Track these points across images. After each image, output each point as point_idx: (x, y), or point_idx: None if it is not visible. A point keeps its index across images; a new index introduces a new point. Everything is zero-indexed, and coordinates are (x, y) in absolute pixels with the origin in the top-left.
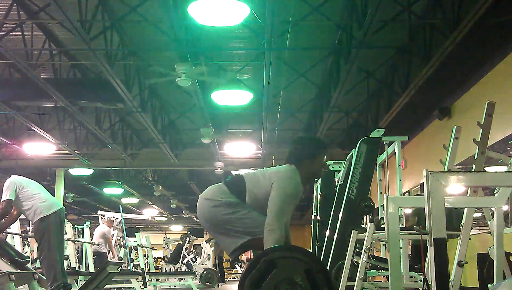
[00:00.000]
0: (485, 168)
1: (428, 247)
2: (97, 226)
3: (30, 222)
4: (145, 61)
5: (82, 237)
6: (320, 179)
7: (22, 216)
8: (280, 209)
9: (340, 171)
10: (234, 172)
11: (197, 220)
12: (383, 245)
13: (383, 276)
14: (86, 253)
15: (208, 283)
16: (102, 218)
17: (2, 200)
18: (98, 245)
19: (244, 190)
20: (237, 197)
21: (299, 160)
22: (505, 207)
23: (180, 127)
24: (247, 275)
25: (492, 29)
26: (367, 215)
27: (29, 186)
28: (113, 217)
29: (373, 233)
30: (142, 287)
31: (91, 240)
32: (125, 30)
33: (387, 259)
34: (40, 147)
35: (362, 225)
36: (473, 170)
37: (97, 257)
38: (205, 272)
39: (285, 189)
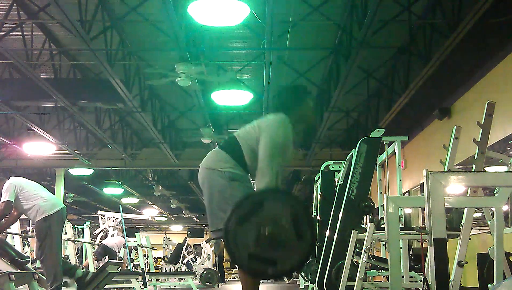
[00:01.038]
0: (485, 168)
1: (428, 247)
2: (98, 226)
3: (31, 221)
4: (145, 61)
5: (82, 237)
6: (320, 178)
7: (22, 216)
8: (270, 154)
9: (340, 171)
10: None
11: (197, 220)
12: (383, 245)
13: (383, 276)
14: (86, 253)
15: (208, 283)
16: (102, 218)
17: (1, 201)
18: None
19: (240, 150)
20: (237, 162)
21: (286, 108)
22: (505, 207)
23: (180, 127)
24: (234, 212)
25: (492, 29)
26: (367, 215)
27: (28, 186)
28: (113, 217)
29: (373, 233)
30: (142, 287)
31: (91, 239)
32: (125, 30)
33: (387, 259)
34: (40, 147)
35: (362, 225)
36: (473, 170)
37: (108, 250)
38: (205, 272)
39: (273, 134)
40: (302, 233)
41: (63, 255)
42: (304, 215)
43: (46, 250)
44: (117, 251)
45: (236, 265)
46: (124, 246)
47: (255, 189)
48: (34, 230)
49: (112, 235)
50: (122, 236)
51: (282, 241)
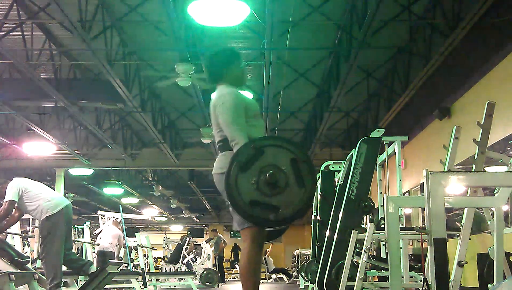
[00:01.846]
0: (485, 168)
1: (428, 247)
2: (98, 226)
3: (30, 221)
4: (145, 61)
5: (82, 237)
6: (320, 178)
7: (24, 216)
8: (228, 122)
9: (340, 171)
10: None
11: (197, 220)
12: (383, 245)
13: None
14: (86, 253)
15: (208, 283)
16: (102, 218)
17: (4, 201)
18: (110, 243)
19: (223, 137)
20: (227, 152)
21: (218, 76)
22: (505, 207)
23: (180, 127)
24: (235, 159)
25: (492, 29)
26: (367, 215)
27: (32, 186)
28: (113, 217)
29: (373, 233)
30: (142, 287)
31: (91, 239)
32: (125, 30)
33: (387, 259)
34: (40, 147)
35: (362, 225)
36: (473, 170)
37: (103, 254)
38: (205, 272)
39: (220, 107)
40: (303, 179)
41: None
42: (305, 161)
43: (47, 248)
44: (113, 249)
45: (238, 213)
46: (120, 243)
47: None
48: (37, 229)
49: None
50: (120, 229)
51: (283, 186)
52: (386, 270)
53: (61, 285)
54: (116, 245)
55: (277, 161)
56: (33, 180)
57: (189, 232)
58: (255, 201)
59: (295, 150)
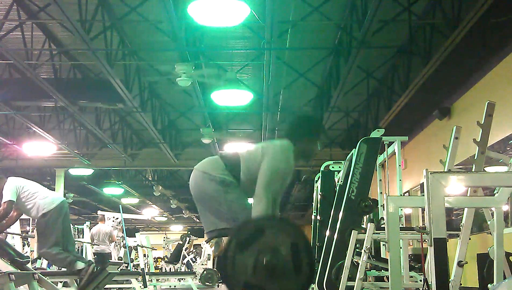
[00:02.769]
0: (485, 168)
1: (428, 247)
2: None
3: (30, 221)
4: (145, 61)
5: (82, 237)
6: (320, 178)
7: (23, 216)
8: (269, 180)
9: (340, 171)
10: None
11: (197, 220)
12: (383, 245)
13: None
14: (86, 253)
15: (208, 283)
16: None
17: (3, 201)
18: (104, 244)
19: (238, 164)
20: (231, 173)
21: (297, 137)
22: (505, 207)
23: (180, 127)
24: (235, 236)
25: (492, 29)
26: (367, 215)
27: (28, 186)
28: (113, 217)
29: (373, 233)
30: (142, 287)
31: (91, 239)
32: (125, 30)
33: (387, 259)
34: (40, 147)
35: (362, 225)
36: (473, 170)
37: (100, 256)
38: (205, 272)
39: (275, 161)
40: (301, 265)
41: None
42: (304, 247)
43: (43, 244)
44: (109, 249)
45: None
46: (113, 239)
47: (251, 213)
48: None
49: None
50: (122, 236)
51: (280, 272)
52: (386, 270)
53: (75, 261)
54: (111, 241)
55: (276, 244)
56: (29, 180)
57: (189, 232)
58: (249, 284)
59: (297, 235)
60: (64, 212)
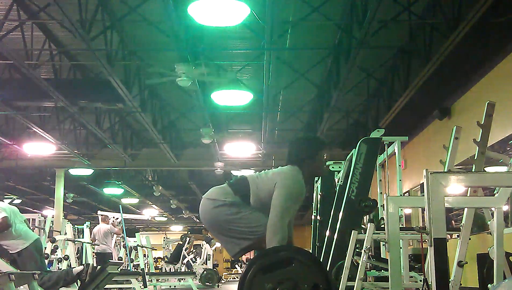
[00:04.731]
0: (485, 168)
1: (428, 247)
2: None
3: (31, 221)
4: (145, 61)
5: (82, 237)
6: (320, 178)
7: None
8: (283, 208)
9: (340, 171)
10: (234, 173)
11: (197, 220)
12: (383, 245)
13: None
14: (86, 253)
15: (208, 283)
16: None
17: None
18: (105, 244)
19: (248, 191)
20: (241, 198)
21: (300, 160)
22: (505, 207)
23: (180, 127)
24: (259, 259)
25: (492, 29)
26: (367, 215)
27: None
28: (113, 217)
29: (373, 233)
30: (142, 287)
31: (91, 239)
32: (125, 30)
33: (387, 259)
34: (40, 147)
35: (362, 225)
36: (473, 170)
37: (101, 256)
38: (205, 272)
39: (288, 188)
40: None
41: (63, 255)
42: (325, 285)
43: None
44: (110, 249)
45: None
46: (113, 235)
47: (266, 244)
48: (37, 229)
49: (112, 235)
50: (122, 236)
51: None
52: (386, 270)
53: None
54: (111, 237)
55: (300, 279)
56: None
57: (189, 232)
58: None
59: (321, 275)
60: (39, 249)
